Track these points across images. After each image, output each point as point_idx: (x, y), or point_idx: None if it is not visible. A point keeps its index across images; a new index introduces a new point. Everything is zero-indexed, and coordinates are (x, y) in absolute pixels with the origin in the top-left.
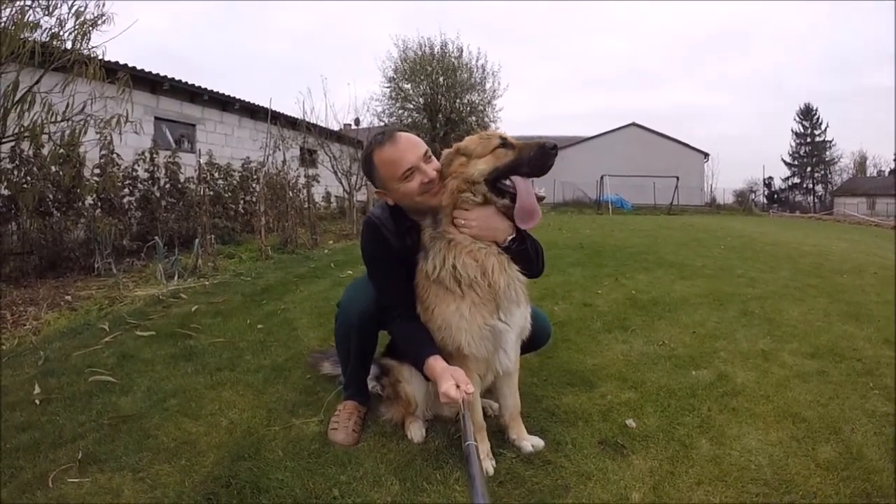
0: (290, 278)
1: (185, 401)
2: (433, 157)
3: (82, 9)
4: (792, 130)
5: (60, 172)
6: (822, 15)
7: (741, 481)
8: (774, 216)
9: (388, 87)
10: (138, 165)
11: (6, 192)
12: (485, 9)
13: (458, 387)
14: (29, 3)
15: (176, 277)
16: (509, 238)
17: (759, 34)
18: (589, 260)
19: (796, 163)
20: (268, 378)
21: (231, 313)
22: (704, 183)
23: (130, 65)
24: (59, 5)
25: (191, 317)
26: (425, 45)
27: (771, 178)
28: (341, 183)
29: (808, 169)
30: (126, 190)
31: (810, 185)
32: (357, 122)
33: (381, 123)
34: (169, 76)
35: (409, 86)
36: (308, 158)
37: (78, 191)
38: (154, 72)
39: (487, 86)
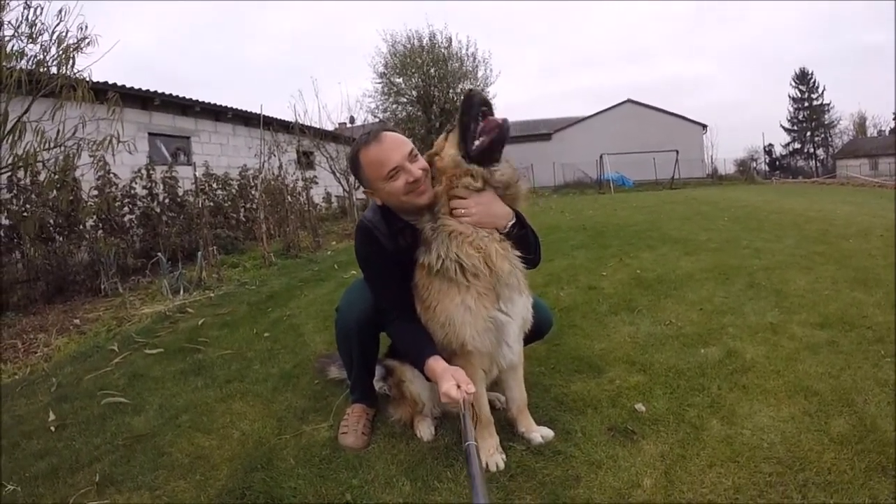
0: (294, 283)
1: (197, 415)
2: (419, 157)
3: (64, 34)
4: (788, 95)
5: (58, 197)
6: None
7: (754, 461)
8: (777, 183)
9: (379, 83)
10: (136, 183)
11: (7, 222)
12: None
13: (458, 387)
14: (10, 33)
15: (181, 292)
16: (510, 224)
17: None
18: (593, 241)
19: (795, 128)
20: (276, 386)
21: (237, 324)
22: (705, 154)
23: (119, 83)
24: (41, 32)
25: (198, 330)
26: (413, 38)
27: (771, 145)
28: (340, 182)
29: (808, 133)
30: (126, 208)
31: (811, 150)
32: (352, 120)
33: (376, 120)
34: (159, 91)
35: (400, 80)
36: (305, 161)
37: (77, 214)
38: (144, 88)
39: (480, 73)
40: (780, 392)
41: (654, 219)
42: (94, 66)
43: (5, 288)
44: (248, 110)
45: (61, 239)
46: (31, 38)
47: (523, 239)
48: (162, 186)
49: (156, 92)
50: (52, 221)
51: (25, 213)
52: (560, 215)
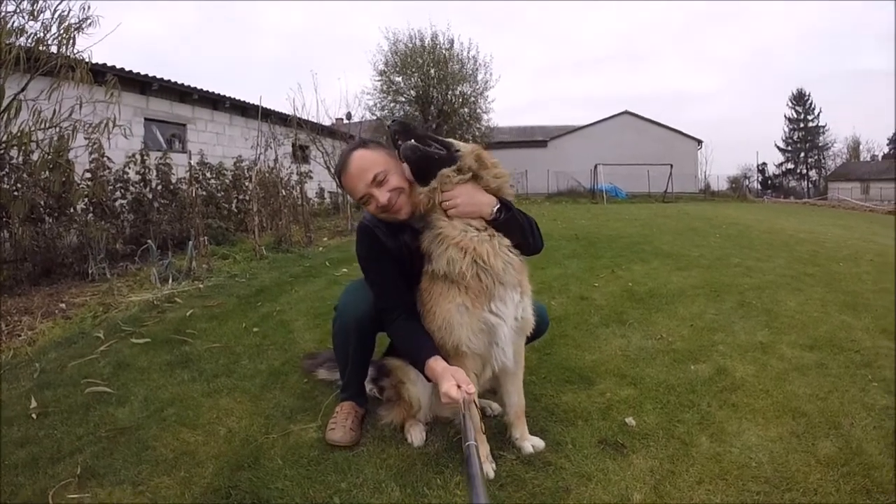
0: (284, 278)
1: (183, 410)
2: (390, 176)
3: (66, 13)
4: (785, 116)
5: (51, 179)
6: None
7: (742, 479)
8: (769, 202)
9: (379, 81)
10: (129, 168)
11: None
12: None
13: (459, 387)
14: (11, 9)
15: (170, 281)
16: (495, 209)
17: (748, 15)
18: (585, 251)
19: (790, 148)
20: (265, 383)
21: (226, 316)
22: (698, 170)
23: (118, 66)
24: (43, 10)
25: (186, 322)
26: (416, 38)
27: (765, 163)
28: (334, 178)
29: (802, 154)
30: (118, 193)
31: (804, 171)
32: (349, 116)
33: (374, 118)
34: (157, 76)
35: (400, 79)
36: (300, 155)
37: (69, 196)
38: (143, 73)
39: (479, 77)
40: (768, 412)
41: (646, 232)
42: (94, 47)
43: None
44: (247, 101)
45: (51, 221)
46: (33, 16)
47: (513, 222)
48: (155, 173)
49: (154, 77)
50: (42, 203)
51: (16, 193)
52: (553, 223)
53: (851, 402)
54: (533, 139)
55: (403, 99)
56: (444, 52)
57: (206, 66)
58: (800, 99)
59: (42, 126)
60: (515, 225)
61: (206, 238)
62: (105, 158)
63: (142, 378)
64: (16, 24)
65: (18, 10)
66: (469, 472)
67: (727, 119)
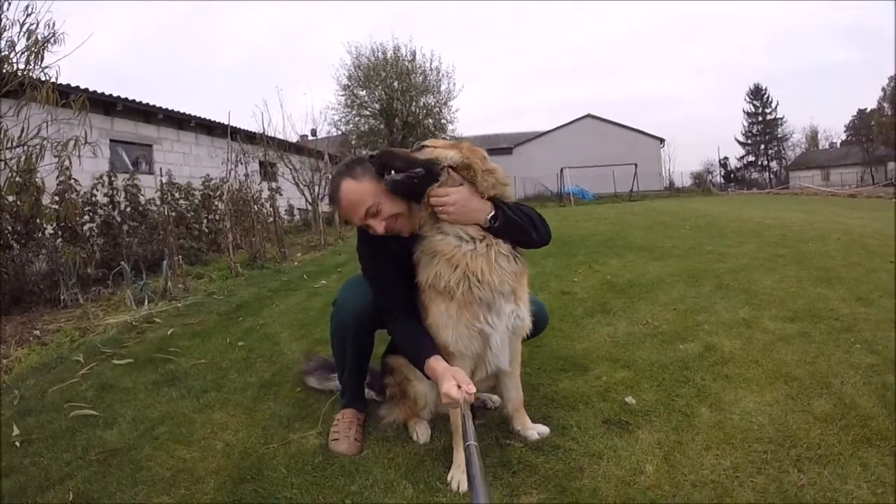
0: (264, 293)
1: (175, 427)
2: (382, 205)
3: (34, 26)
4: (743, 110)
5: (18, 202)
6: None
7: (747, 441)
8: (733, 194)
9: (343, 96)
10: (97, 190)
11: None
12: (438, 8)
13: (459, 387)
14: None
15: (146, 302)
16: (489, 216)
17: (704, 21)
18: (559, 251)
19: (750, 141)
20: (257, 395)
21: (209, 333)
22: (662, 168)
23: (83, 87)
24: (8, 27)
25: (168, 340)
26: (378, 51)
27: (726, 158)
28: (304, 194)
29: (762, 146)
30: (87, 217)
31: (765, 162)
32: (314, 132)
33: (339, 133)
34: (122, 97)
35: (364, 92)
36: (269, 171)
37: (38, 220)
38: (107, 93)
39: (443, 87)
40: (761, 379)
41: (617, 229)
42: (60, 63)
43: None
44: (212, 119)
45: (18, 247)
46: None
47: (511, 225)
48: (124, 195)
49: (118, 97)
50: (10, 228)
51: None
52: None
53: (838, 363)
54: (498, 146)
55: (368, 112)
56: (406, 63)
57: (168, 83)
58: (757, 93)
59: (10, 145)
60: (515, 227)
61: (180, 257)
62: (73, 180)
63: (128, 399)
64: None
65: None
66: (469, 473)
67: (689, 118)
